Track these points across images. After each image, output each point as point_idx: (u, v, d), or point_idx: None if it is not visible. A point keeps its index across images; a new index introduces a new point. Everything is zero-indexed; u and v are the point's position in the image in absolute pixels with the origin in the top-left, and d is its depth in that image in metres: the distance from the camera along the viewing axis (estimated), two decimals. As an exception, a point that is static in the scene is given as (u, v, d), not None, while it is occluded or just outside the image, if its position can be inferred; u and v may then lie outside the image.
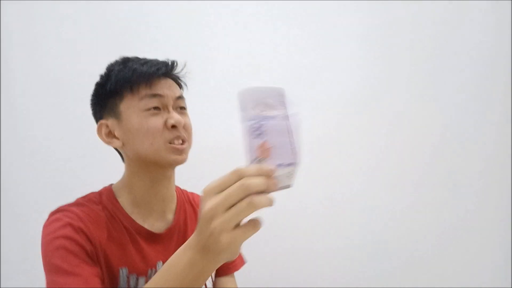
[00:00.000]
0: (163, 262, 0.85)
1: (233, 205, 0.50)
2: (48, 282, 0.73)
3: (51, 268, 0.73)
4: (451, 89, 1.49)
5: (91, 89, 0.91)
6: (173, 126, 0.82)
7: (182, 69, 0.91)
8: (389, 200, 1.47)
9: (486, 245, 1.46)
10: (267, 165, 0.52)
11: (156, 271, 0.85)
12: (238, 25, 1.46)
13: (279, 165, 0.55)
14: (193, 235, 0.56)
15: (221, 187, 0.51)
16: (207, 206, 0.50)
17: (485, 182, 1.49)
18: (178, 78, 0.92)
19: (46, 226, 0.78)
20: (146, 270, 0.84)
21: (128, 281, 0.81)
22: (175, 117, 0.83)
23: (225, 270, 1.00)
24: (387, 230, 1.46)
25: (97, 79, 0.90)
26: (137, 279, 0.82)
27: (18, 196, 1.33)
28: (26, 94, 1.36)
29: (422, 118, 1.49)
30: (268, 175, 0.51)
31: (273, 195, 0.53)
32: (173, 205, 0.94)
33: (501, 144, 1.50)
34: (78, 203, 0.84)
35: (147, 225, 0.87)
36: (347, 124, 1.48)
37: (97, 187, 0.92)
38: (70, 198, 0.89)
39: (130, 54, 0.91)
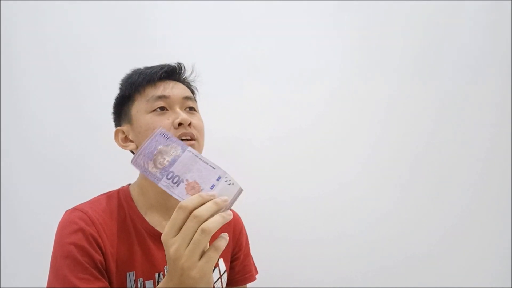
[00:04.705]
0: (171, 266, 0.84)
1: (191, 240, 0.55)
2: (49, 282, 0.75)
3: (58, 274, 0.74)
4: (448, 82, 1.52)
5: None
6: (180, 124, 0.83)
7: (190, 73, 0.93)
8: (388, 199, 1.48)
9: (486, 245, 1.47)
10: (205, 192, 0.58)
11: (163, 275, 0.84)
12: (240, 25, 1.47)
13: (213, 186, 0.59)
14: (164, 280, 0.60)
15: (175, 228, 0.56)
16: (171, 250, 0.56)
17: (485, 181, 1.50)
18: (186, 81, 0.93)
19: (60, 225, 0.79)
20: (153, 274, 0.83)
21: (136, 285, 0.81)
22: (181, 116, 0.83)
23: (238, 281, 1.01)
24: (386, 229, 1.47)
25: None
26: (144, 283, 0.82)
27: (18, 196, 1.31)
28: (29, 93, 1.35)
29: (419, 115, 1.52)
30: (211, 199, 0.56)
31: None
32: None
33: (500, 141, 1.51)
34: (96, 200, 0.86)
35: (160, 228, 0.86)
36: (342, 118, 1.50)
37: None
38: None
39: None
